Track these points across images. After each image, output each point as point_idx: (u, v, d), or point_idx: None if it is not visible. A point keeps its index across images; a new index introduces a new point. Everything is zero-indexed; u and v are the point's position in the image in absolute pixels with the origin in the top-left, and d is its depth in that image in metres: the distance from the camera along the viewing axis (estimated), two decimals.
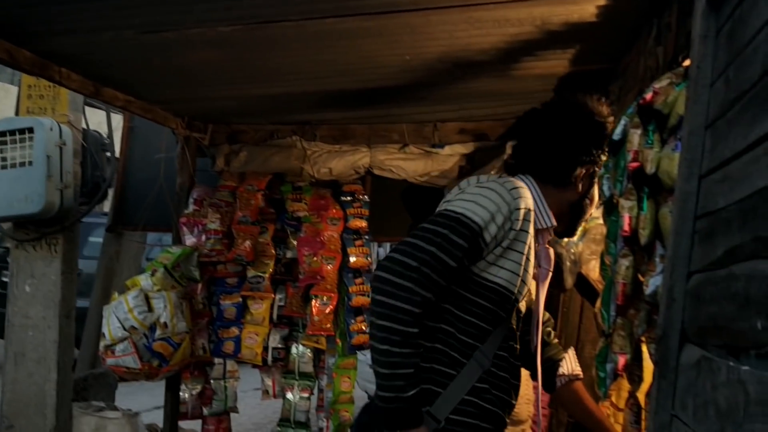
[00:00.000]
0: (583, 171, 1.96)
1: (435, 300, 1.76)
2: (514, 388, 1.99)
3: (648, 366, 1.60)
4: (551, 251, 2.04)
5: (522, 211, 1.82)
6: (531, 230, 1.86)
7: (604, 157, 1.95)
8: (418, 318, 1.71)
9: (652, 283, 1.45)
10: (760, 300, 0.88)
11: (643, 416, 1.75)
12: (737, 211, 1.00)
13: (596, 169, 1.97)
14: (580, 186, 1.98)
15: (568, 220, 2.03)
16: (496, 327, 1.88)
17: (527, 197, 1.85)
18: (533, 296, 2.07)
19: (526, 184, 1.91)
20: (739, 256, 0.98)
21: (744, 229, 0.96)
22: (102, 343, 3.53)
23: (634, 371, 1.71)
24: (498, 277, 1.84)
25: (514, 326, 1.99)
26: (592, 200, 2.04)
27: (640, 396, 1.78)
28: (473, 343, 1.86)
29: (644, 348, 1.66)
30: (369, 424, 1.96)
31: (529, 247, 1.87)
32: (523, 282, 1.89)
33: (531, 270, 1.91)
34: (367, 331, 3.85)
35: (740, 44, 1.08)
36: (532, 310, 2.08)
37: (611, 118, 1.98)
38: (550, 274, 2.03)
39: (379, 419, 1.86)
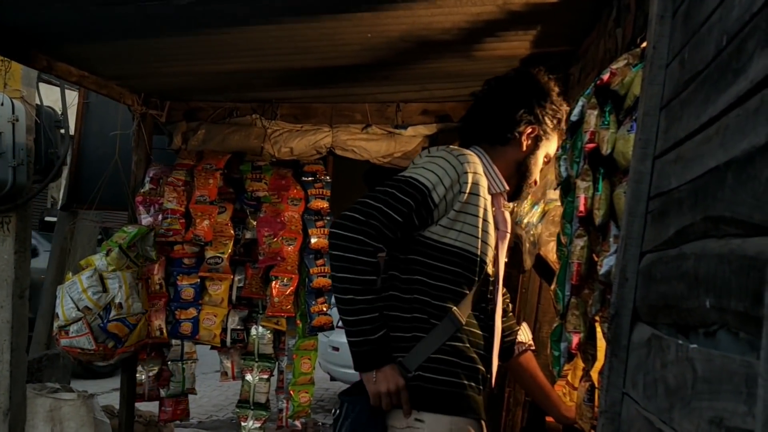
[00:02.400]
0: (528, 129, 2.10)
1: (391, 254, 1.99)
2: (491, 346, 2.11)
3: (601, 345, 1.62)
4: (507, 214, 2.18)
5: (470, 175, 1.95)
6: (484, 194, 1.99)
7: (548, 121, 2.10)
8: (373, 266, 1.87)
9: (606, 263, 1.47)
10: (708, 279, 0.88)
11: (596, 394, 1.78)
12: (689, 191, 1.01)
13: (541, 131, 2.11)
14: (524, 145, 2.12)
15: (516, 181, 2.16)
16: (470, 289, 2.01)
17: (475, 162, 1.99)
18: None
19: (476, 154, 2.06)
20: (689, 235, 0.99)
21: (695, 209, 0.97)
22: (56, 324, 3.45)
23: (587, 350, 1.74)
24: (458, 241, 1.97)
25: (487, 288, 2.10)
26: (536, 161, 2.16)
27: (594, 374, 1.81)
28: (450, 307, 1.97)
29: (598, 327, 1.68)
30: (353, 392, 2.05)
31: (485, 210, 2.00)
32: (486, 243, 2.01)
33: (492, 233, 2.04)
34: (327, 311, 3.85)
35: (696, 24, 1.08)
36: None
37: (553, 84, 2.14)
38: (509, 235, 2.18)
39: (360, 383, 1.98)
